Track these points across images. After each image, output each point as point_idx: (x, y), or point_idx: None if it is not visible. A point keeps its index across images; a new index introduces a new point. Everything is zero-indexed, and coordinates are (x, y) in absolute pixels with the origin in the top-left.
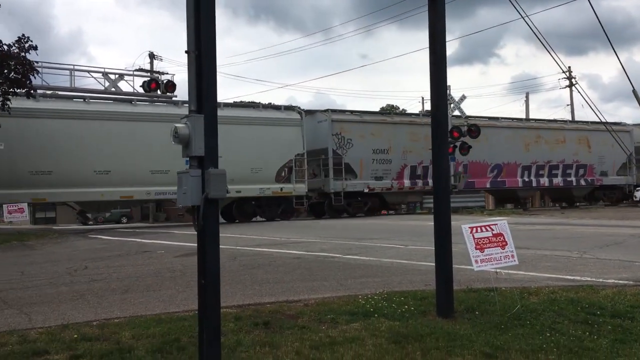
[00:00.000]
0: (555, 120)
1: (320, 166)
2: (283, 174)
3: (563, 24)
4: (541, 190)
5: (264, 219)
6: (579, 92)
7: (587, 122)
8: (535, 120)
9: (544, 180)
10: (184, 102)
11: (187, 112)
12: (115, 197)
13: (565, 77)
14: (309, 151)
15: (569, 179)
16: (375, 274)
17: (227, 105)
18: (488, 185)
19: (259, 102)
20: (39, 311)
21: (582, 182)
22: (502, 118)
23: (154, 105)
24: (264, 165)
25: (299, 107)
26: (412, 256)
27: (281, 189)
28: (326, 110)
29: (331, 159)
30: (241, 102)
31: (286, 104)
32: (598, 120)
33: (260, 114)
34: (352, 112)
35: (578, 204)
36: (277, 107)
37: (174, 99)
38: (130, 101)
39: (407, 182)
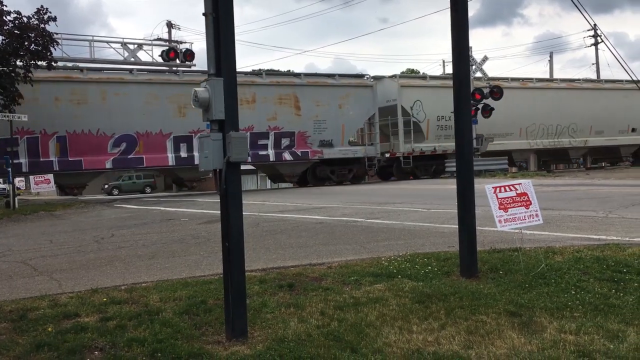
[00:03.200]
0: (243, 73)
1: None
2: None
3: None
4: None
5: None
6: (608, 47)
7: (298, 75)
8: (204, 72)
9: None
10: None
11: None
12: None
13: (591, 35)
14: None
15: (262, 152)
16: (398, 237)
17: None
18: (109, 166)
19: None
20: (69, 277)
21: (288, 157)
22: (138, 70)
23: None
24: None
25: None
26: (434, 219)
27: None
28: None
29: None
30: None
31: (305, 70)
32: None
33: None
34: None
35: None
36: None
37: (192, 67)
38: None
39: None
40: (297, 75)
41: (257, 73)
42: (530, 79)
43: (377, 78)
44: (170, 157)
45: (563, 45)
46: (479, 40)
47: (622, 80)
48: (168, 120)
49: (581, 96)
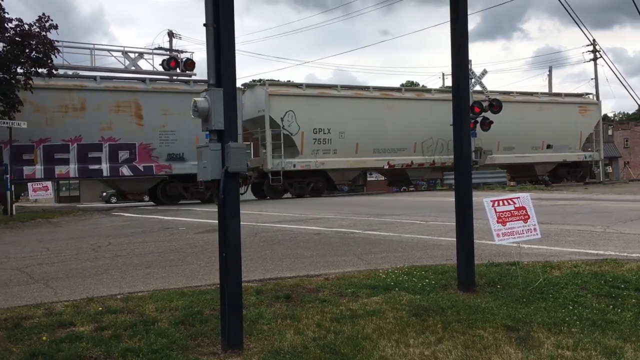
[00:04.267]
0: (69, 76)
1: None
2: None
3: None
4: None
5: None
6: (606, 63)
7: (142, 80)
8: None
9: (34, 169)
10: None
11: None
12: None
13: (590, 50)
14: None
15: (93, 166)
16: (395, 249)
17: None
18: None
19: None
20: (65, 285)
21: (126, 172)
22: None
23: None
24: None
25: None
26: (432, 232)
27: None
28: None
29: None
30: None
31: (306, 81)
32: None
33: None
34: None
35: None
36: None
37: (193, 77)
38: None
39: None
40: (142, 80)
41: (91, 77)
42: (429, 90)
43: (249, 85)
44: None
45: (562, 59)
46: (479, 54)
47: (537, 93)
48: None
49: None
